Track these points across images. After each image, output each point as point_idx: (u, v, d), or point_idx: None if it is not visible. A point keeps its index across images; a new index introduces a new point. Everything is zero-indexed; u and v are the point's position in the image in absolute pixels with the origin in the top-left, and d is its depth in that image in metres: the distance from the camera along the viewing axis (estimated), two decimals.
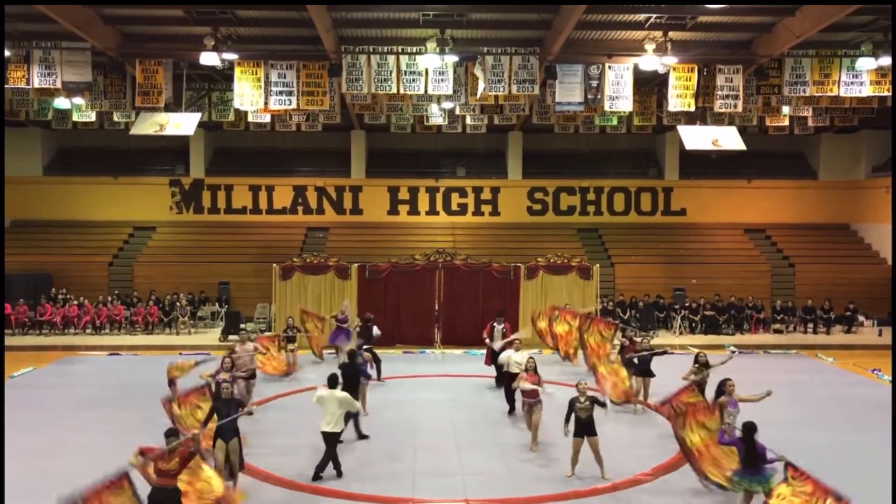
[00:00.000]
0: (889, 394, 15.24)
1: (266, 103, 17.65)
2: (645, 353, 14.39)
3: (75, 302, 23.06)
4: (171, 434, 8.35)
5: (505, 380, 13.88)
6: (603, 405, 10.64)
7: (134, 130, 18.97)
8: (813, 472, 7.88)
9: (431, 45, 16.74)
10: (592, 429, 10.32)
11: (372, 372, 14.74)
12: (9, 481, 9.71)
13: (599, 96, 17.90)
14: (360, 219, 29.08)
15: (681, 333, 23.10)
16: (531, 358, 12.25)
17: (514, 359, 13.43)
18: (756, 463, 8.47)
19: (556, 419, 13.49)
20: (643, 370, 14.20)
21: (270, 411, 13.82)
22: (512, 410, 13.63)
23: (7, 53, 17.08)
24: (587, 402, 10.36)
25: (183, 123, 18.36)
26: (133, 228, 28.45)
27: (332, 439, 10.43)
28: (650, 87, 20.99)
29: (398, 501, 9.69)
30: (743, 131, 20.06)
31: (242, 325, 22.12)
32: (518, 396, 12.78)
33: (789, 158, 29.98)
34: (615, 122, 23.10)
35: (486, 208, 29.34)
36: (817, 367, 19.00)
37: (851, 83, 17.79)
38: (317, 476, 10.35)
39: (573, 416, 10.34)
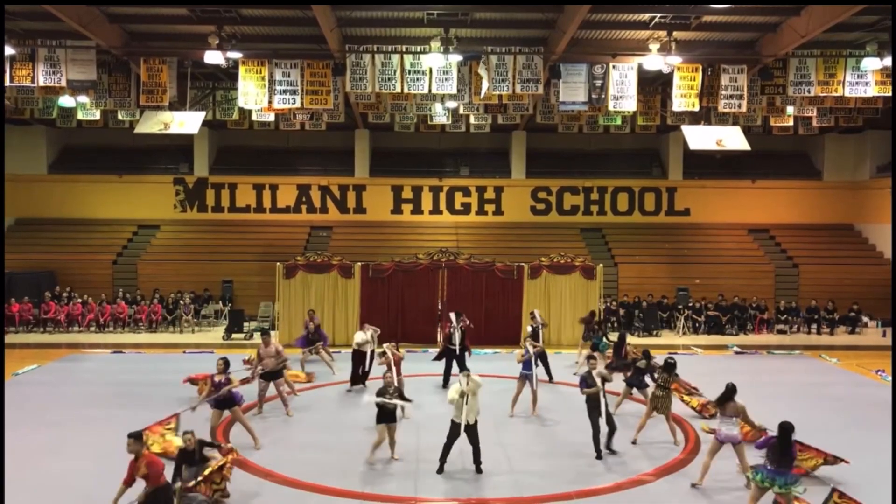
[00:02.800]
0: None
1: (270, 102, 17.66)
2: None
3: (79, 300, 23.12)
4: (135, 437, 8.50)
5: (354, 358, 15.62)
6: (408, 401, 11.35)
7: (138, 129, 19.01)
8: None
9: (435, 44, 16.75)
10: (394, 416, 11.00)
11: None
12: (11, 479, 9.74)
13: (603, 96, 17.88)
14: (364, 218, 29.11)
15: (684, 334, 23.09)
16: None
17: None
18: (789, 464, 8.47)
19: (561, 418, 13.52)
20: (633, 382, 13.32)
21: (273, 410, 13.83)
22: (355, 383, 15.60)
23: (12, 52, 17.12)
24: (395, 394, 11.03)
25: (187, 122, 18.37)
26: (137, 227, 28.53)
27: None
28: (654, 86, 20.98)
29: (400, 500, 9.69)
30: (747, 131, 20.02)
31: (246, 323, 22.27)
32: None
33: (793, 159, 29.94)
34: (619, 122, 23.08)
35: (490, 208, 29.35)
36: (821, 368, 18.96)
37: (856, 83, 17.77)
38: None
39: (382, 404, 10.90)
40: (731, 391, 10.06)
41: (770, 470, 8.49)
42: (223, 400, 11.47)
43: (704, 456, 10.30)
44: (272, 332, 14.21)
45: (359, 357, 15.65)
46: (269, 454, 11.33)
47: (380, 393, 10.98)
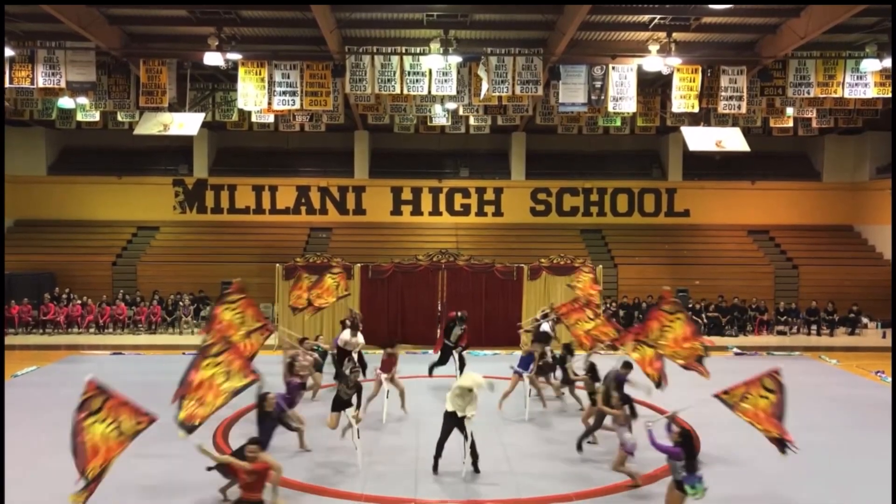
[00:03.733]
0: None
1: (270, 103, 17.66)
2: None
3: (79, 301, 23.10)
4: (254, 443, 8.26)
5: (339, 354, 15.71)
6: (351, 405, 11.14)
7: (138, 130, 19.00)
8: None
9: (435, 45, 16.77)
10: (345, 405, 11.11)
11: None
12: (10, 480, 9.72)
13: (603, 97, 17.88)
14: (364, 219, 29.10)
15: None
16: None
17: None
18: (697, 466, 8.43)
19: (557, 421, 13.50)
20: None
21: None
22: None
23: (11, 53, 17.12)
24: (352, 391, 11.12)
25: (186, 123, 18.38)
26: (136, 228, 28.52)
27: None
28: (654, 88, 20.98)
29: (400, 501, 9.68)
30: (747, 132, 20.03)
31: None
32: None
33: (793, 160, 29.94)
34: (619, 123, 23.09)
35: (490, 209, 29.34)
36: (820, 369, 18.95)
37: (856, 84, 17.76)
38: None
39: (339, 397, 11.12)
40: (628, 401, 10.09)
41: (693, 476, 8.40)
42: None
43: (623, 466, 10.07)
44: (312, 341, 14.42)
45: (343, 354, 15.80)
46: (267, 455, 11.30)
47: (338, 376, 11.13)
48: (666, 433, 8.72)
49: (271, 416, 10.04)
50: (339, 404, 11.11)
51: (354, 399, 11.26)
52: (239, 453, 8.62)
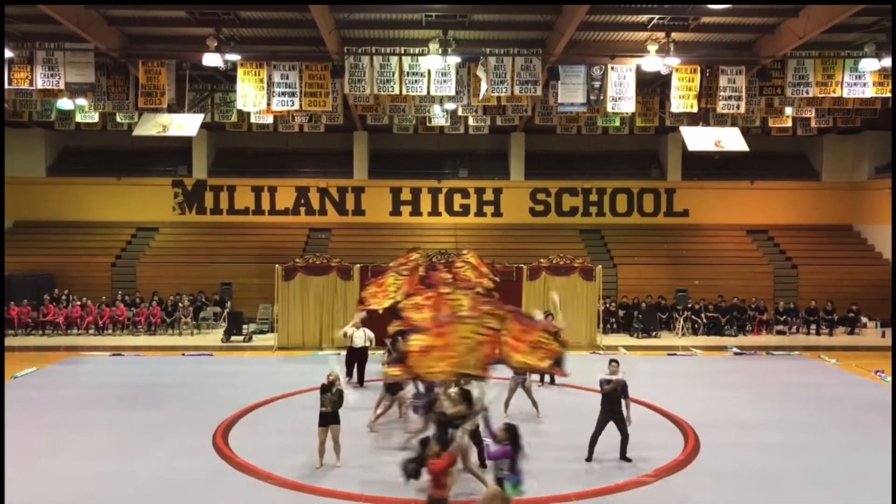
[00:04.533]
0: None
1: (269, 104, 17.68)
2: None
3: (78, 302, 23.09)
4: (426, 442, 8.19)
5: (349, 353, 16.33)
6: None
7: (137, 131, 19.00)
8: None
9: (434, 46, 16.78)
10: (337, 418, 10.81)
11: None
12: (10, 481, 9.71)
13: (602, 97, 17.90)
14: (363, 220, 29.10)
15: (683, 335, 23.08)
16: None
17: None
18: (519, 465, 8.33)
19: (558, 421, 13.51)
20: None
21: (270, 411, 13.82)
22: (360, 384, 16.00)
23: (10, 54, 17.13)
24: (336, 395, 10.73)
25: (186, 124, 18.38)
26: (136, 229, 28.50)
27: None
28: (653, 88, 21.00)
29: (399, 501, 9.67)
30: (746, 132, 20.05)
31: (245, 326, 22.28)
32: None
33: (792, 159, 29.96)
34: (618, 123, 23.11)
35: (489, 209, 29.34)
36: (820, 369, 18.96)
37: (854, 84, 17.79)
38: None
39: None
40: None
41: (515, 475, 8.28)
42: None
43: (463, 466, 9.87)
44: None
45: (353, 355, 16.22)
46: (267, 456, 11.31)
47: (323, 390, 10.81)
48: (489, 435, 8.57)
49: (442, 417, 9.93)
50: (324, 419, 10.78)
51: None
52: (421, 457, 8.34)
